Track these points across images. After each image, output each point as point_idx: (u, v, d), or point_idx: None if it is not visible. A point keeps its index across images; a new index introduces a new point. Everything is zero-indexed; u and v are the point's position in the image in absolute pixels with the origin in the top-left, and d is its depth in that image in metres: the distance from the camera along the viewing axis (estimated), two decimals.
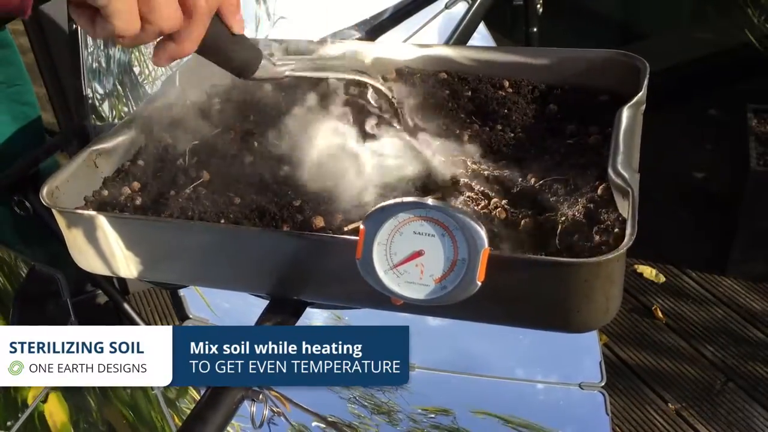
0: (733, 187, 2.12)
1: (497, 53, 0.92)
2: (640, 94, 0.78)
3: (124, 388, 1.17)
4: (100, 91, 1.12)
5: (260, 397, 0.73)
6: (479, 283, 0.60)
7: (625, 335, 1.98)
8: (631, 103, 0.76)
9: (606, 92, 0.87)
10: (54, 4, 1.13)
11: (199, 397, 0.70)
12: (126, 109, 1.17)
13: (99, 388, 1.16)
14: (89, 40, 1.06)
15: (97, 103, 1.12)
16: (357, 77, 0.79)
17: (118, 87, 1.16)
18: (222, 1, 0.60)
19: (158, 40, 0.59)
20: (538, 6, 1.45)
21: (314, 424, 1.22)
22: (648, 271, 2.16)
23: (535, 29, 1.46)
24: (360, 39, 1.09)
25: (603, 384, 1.36)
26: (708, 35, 2.90)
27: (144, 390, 1.18)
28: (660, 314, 2.04)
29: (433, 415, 1.31)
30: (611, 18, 3.17)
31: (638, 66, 0.83)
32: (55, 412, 1.09)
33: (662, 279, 2.15)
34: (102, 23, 0.54)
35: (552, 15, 1.52)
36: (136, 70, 1.19)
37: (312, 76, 0.78)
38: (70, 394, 1.12)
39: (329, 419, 1.24)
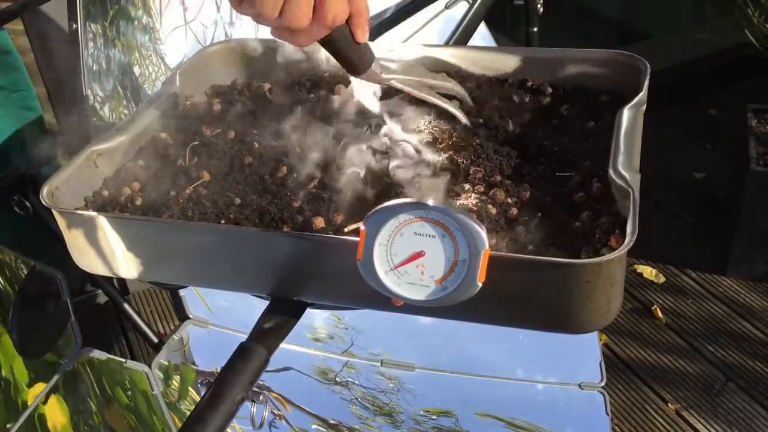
0: (733, 187, 2.12)
1: (498, 53, 0.92)
2: (640, 94, 0.77)
3: (125, 390, 1.17)
4: (100, 92, 1.12)
5: (260, 397, 0.73)
6: (480, 284, 0.60)
7: (625, 335, 1.98)
8: (632, 103, 0.76)
9: (607, 92, 0.87)
10: (54, 4, 1.12)
11: (198, 399, 0.70)
12: (126, 111, 1.16)
13: (100, 390, 1.15)
14: (89, 41, 1.06)
15: (98, 105, 1.11)
16: (448, 107, 0.83)
17: (119, 88, 1.16)
18: (354, 12, 0.68)
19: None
20: (539, 6, 1.44)
21: (314, 426, 1.22)
22: (648, 271, 2.16)
23: (535, 29, 1.46)
24: None
25: (603, 384, 1.36)
26: (708, 35, 2.90)
27: (144, 392, 1.17)
28: (660, 314, 2.04)
29: (435, 417, 1.31)
30: (611, 18, 3.17)
31: (639, 66, 0.83)
32: (55, 414, 1.09)
33: (662, 279, 2.15)
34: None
35: (552, 15, 1.52)
36: (137, 70, 1.19)
37: (411, 93, 0.81)
38: (70, 396, 1.11)
39: (331, 422, 1.23)
